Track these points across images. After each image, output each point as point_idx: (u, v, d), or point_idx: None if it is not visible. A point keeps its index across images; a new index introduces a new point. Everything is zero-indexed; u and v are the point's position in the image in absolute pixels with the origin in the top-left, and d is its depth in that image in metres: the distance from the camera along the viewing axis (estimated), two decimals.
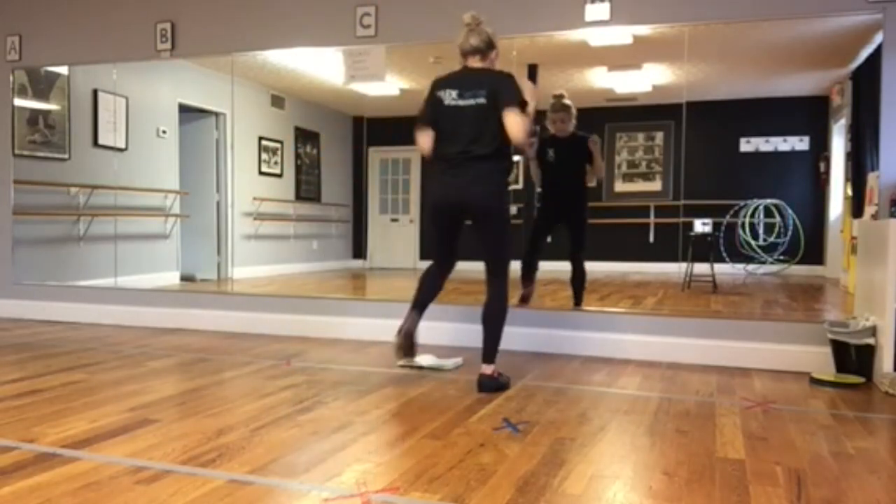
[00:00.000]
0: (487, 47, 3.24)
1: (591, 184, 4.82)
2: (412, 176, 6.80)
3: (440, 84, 3.27)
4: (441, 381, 3.38)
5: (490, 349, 3.24)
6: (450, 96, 3.20)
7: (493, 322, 3.27)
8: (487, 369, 3.22)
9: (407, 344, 3.37)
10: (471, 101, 3.16)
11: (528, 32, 4.24)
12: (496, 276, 3.31)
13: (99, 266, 5.58)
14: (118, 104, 5.70)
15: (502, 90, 3.14)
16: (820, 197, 5.51)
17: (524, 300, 4.66)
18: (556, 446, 2.38)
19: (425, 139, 3.30)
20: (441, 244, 3.41)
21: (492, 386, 3.19)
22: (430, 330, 4.40)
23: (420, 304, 3.42)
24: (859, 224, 4.00)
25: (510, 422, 2.67)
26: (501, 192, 3.25)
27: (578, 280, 4.61)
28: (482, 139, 3.15)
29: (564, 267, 6.15)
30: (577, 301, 4.58)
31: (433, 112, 3.26)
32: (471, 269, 4.89)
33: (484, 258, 3.30)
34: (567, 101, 4.60)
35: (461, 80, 3.22)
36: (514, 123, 3.09)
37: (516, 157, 5.13)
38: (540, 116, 4.61)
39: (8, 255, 5.58)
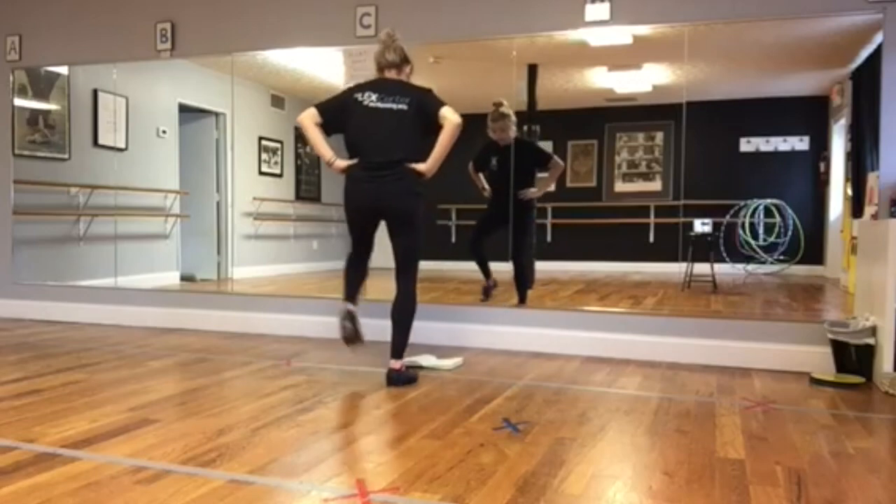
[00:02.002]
0: (402, 62, 3.37)
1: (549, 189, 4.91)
2: None
3: (357, 89, 3.33)
4: (441, 381, 3.38)
5: (400, 345, 3.34)
6: (369, 98, 3.26)
7: (404, 319, 3.37)
8: (396, 364, 3.31)
9: (353, 331, 3.46)
10: (391, 105, 3.23)
11: (528, 32, 4.24)
12: (407, 275, 3.40)
13: (99, 266, 5.58)
14: (118, 104, 5.70)
15: (428, 101, 3.25)
16: (820, 197, 5.50)
17: (486, 293, 4.73)
18: (556, 446, 2.38)
19: (311, 117, 3.29)
20: (360, 243, 3.48)
21: (401, 380, 3.29)
22: (430, 330, 4.40)
23: (352, 295, 3.51)
24: (859, 224, 4.00)
25: (510, 422, 2.67)
26: (419, 196, 3.31)
27: (521, 278, 4.71)
28: (401, 143, 3.23)
29: (564, 267, 6.15)
30: (522, 298, 4.66)
31: (339, 110, 3.31)
32: (469, 268, 4.90)
33: (396, 258, 3.41)
34: (505, 110, 4.71)
35: (380, 86, 3.31)
36: (450, 112, 3.18)
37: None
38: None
39: (8, 255, 5.58)
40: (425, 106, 3.22)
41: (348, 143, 3.34)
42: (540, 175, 5.01)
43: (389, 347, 3.35)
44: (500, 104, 4.70)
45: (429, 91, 3.31)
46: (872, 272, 3.51)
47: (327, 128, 3.34)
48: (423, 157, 3.25)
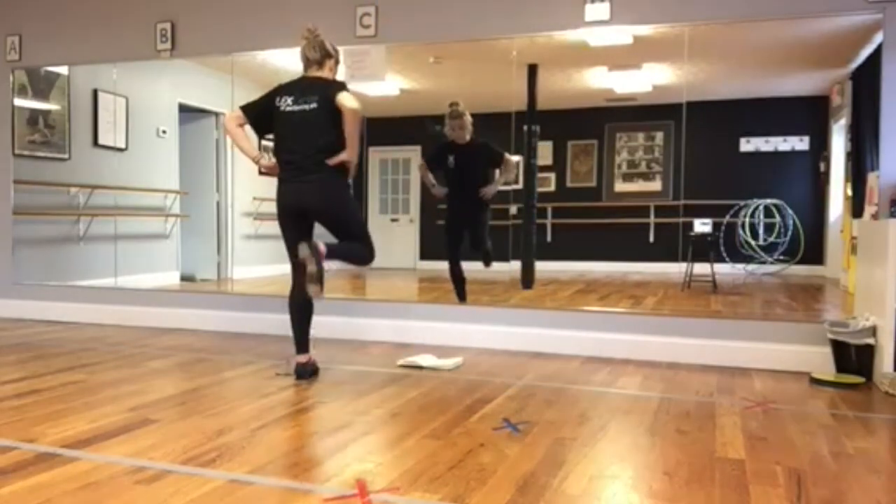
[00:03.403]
0: (323, 57, 3.41)
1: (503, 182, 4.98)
2: (412, 176, 6.80)
3: (280, 90, 3.39)
4: (441, 381, 3.38)
5: (337, 248, 3.35)
6: (285, 102, 3.34)
7: (354, 247, 3.44)
8: (322, 248, 3.24)
9: (309, 373, 3.42)
10: (304, 106, 3.30)
11: (528, 32, 4.24)
12: (361, 242, 3.46)
13: (99, 266, 5.57)
14: (118, 104, 5.70)
15: (332, 91, 3.28)
16: (820, 197, 5.51)
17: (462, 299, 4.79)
18: (556, 446, 2.38)
19: (234, 119, 3.38)
20: (296, 244, 3.40)
21: (318, 257, 3.21)
22: (430, 330, 4.40)
23: (303, 343, 3.45)
24: (859, 224, 4.00)
25: (510, 422, 2.67)
26: (339, 189, 3.36)
27: (486, 259, 4.86)
28: (317, 142, 3.28)
29: (564, 267, 6.16)
30: (487, 262, 4.82)
31: (264, 110, 3.38)
32: (469, 268, 4.89)
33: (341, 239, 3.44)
34: (461, 109, 4.80)
35: (297, 87, 3.37)
36: (347, 99, 3.22)
37: (516, 158, 5.15)
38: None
39: (8, 255, 5.58)
40: (331, 97, 3.27)
41: (275, 148, 3.42)
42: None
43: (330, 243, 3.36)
44: (456, 104, 4.82)
45: (337, 83, 3.35)
46: (872, 272, 3.51)
47: (257, 128, 3.46)
48: (340, 150, 3.31)
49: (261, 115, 3.40)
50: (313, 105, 3.28)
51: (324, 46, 3.40)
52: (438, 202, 5.38)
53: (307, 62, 3.41)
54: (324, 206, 3.33)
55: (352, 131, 3.24)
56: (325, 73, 3.42)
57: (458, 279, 4.80)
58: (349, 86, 3.35)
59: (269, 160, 3.40)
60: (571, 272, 6.11)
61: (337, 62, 3.49)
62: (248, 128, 3.45)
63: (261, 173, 3.51)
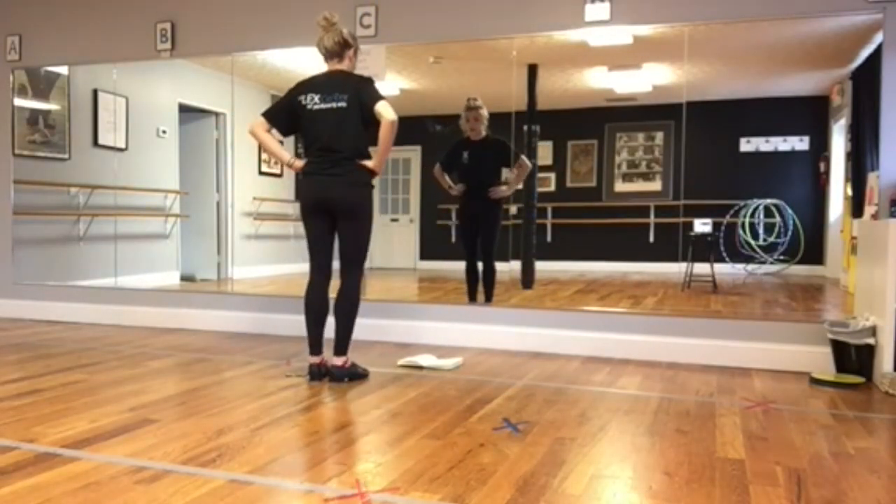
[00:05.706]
0: (342, 48, 3.34)
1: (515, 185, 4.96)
2: (412, 176, 6.81)
3: (301, 89, 3.36)
4: (441, 381, 3.38)
5: (343, 340, 3.38)
6: (312, 101, 3.31)
7: (348, 315, 3.38)
8: (338, 360, 3.35)
9: (322, 374, 3.40)
10: (332, 105, 3.27)
11: (528, 32, 4.24)
12: (352, 268, 3.40)
13: (99, 266, 5.57)
14: (118, 104, 5.70)
15: (364, 93, 3.26)
16: (820, 197, 5.50)
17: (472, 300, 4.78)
18: (556, 446, 2.38)
19: (260, 125, 3.37)
20: (316, 242, 3.41)
21: (344, 374, 3.35)
22: (430, 330, 4.40)
23: (317, 344, 3.41)
24: (859, 224, 4.00)
25: (510, 422, 2.67)
26: (364, 191, 3.35)
27: (488, 277, 4.79)
28: (344, 140, 3.27)
29: (564, 267, 6.16)
30: (488, 297, 4.73)
31: (287, 112, 3.38)
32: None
33: (341, 251, 3.40)
34: (478, 103, 4.80)
35: (323, 84, 3.33)
36: (385, 109, 3.20)
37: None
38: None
39: (8, 255, 5.58)
40: (363, 99, 3.26)
41: (305, 147, 3.40)
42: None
43: (333, 343, 3.39)
44: (474, 98, 4.83)
45: (367, 82, 3.32)
46: (872, 272, 3.51)
47: (281, 131, 3.44)
48: (368, 149, 3.32)
49: (285, 116, 3.39)
50: (342, 104, 3.26)
51: (342, 35, 3.33)
52: (439, 202, 5.40)
53: (327, 53, 3.35)
54: (346, 200, 3.29)
55: (386, 144, 3.23)
56: (345, 65, 3.37)
57: (473, 278, 4.78)
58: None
59: (300, 161, 3.39)
60: (571, 272, 6.11)
61: (356, 50, 3.43)
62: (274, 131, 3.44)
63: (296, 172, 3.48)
